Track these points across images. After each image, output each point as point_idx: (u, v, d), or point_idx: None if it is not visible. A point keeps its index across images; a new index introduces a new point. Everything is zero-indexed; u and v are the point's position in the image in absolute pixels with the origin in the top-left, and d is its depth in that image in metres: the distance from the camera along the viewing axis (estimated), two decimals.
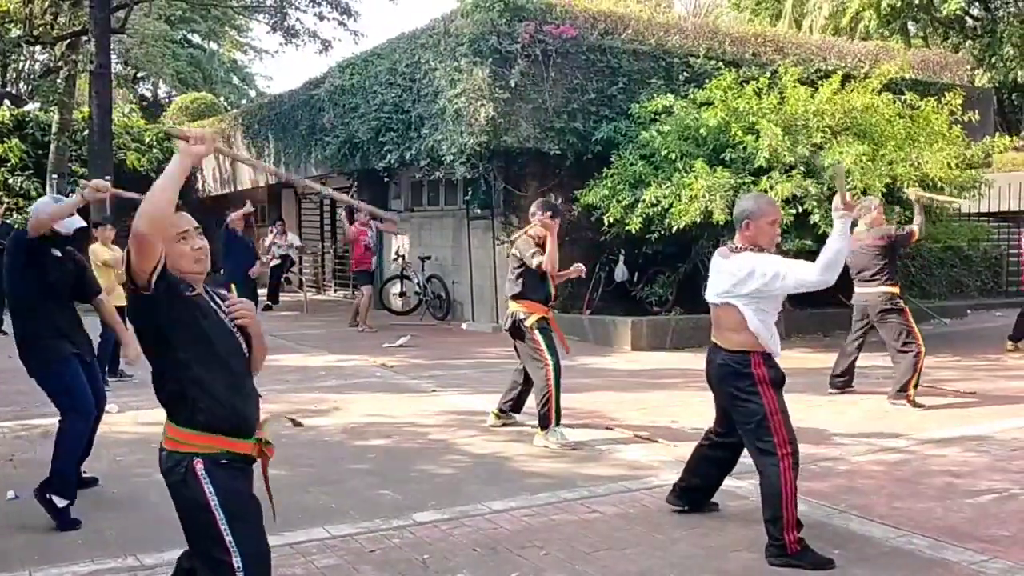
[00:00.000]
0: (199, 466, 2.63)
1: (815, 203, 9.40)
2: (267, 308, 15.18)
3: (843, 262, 3.77)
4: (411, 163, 12.38)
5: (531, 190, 11.23)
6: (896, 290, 7.02)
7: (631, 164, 10.32)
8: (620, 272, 11.63)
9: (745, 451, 4.12)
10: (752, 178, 9.61)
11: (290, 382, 8.37)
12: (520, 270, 5.96)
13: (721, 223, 9.28)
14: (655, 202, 9.79)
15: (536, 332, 5.90)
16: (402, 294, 14.32)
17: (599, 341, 10.64)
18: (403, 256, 14.05)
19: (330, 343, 11.16)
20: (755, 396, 3.88)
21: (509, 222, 11.90)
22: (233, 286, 10.05)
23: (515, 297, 6.00)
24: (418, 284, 13.72)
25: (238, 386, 2.80)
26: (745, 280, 3.90)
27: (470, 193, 12.04)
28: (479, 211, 12.18)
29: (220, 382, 2.70)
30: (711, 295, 4.08)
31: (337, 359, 9.83)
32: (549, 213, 6.00)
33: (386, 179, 13.23)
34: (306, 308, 15.31)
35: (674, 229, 9.74)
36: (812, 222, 9.47)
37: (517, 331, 5.99)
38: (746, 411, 3.92)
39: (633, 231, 9.99)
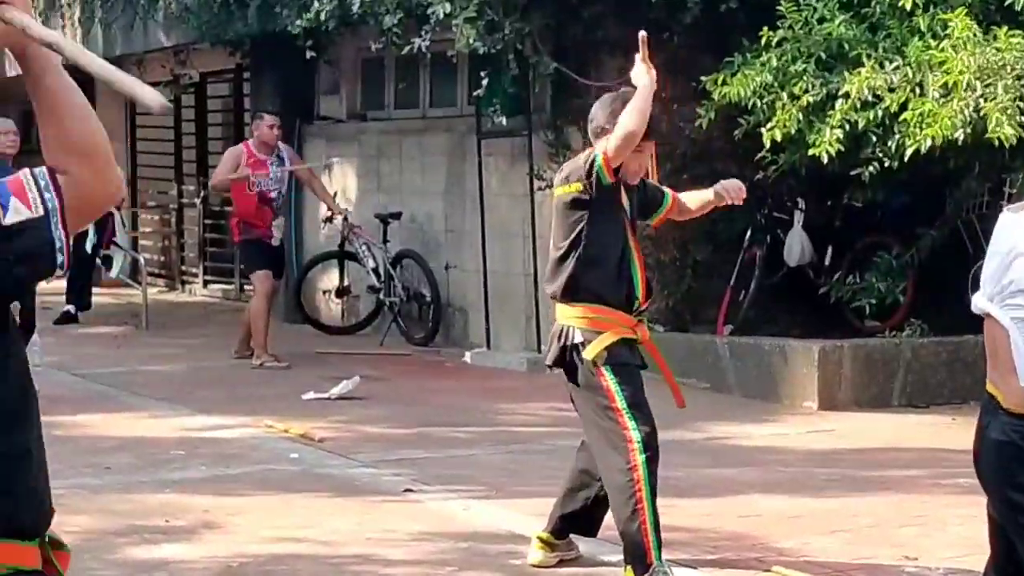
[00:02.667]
0: None
1: None
2: (68, 319, 15.31)
3: None
4: (360, 22, 12.40)
5: (609, 77, 11.13)
6: None
7: (820, 20, 10.28)
8: (797, 247, 11.67)
9: None
10: None
11: (114, 471, 8.43)
12: (576, 232, 5.99)
13: (1010, 143, 9.23)
14: (870, 99, 9.74)
15: (606, 373, 5.95)
16: (342, 292, 14.41)
17: (751, 390, 10.67)
18: (343, 214, 14.13)
19: (196, 391, 11.22)
20: None
21: (563, 143, 11.94)
22: None
23: (564, 295, 6.05)
24: (375, 271, 13.83)
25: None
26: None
27: (485, 84, 12.07)
28: (502, 121, 12.22)
29: None
30: (978, 297, 4.19)
31: (210, 424, 9.90)
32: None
33: (310, 55, 13.24)
34: (146, 319, 15.41)
35: (907, 156, 9.69)
36: None
37: (572, 368, 6.05)
38: None
39: (824, 159, 9.97)
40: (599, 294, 5.98)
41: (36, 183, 2.69)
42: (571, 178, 6.01)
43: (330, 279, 14.57)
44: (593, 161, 5.90)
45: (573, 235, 5.97)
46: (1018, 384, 4.01)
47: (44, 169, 2.70)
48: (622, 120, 5.86)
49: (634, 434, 5.88)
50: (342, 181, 14.93)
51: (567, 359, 6.01)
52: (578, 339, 5.95)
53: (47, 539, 2.91)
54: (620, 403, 5.91)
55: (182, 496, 7.80)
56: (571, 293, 6.00)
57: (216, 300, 18.00)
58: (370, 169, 14.68)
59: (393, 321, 13.71)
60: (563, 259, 6.02)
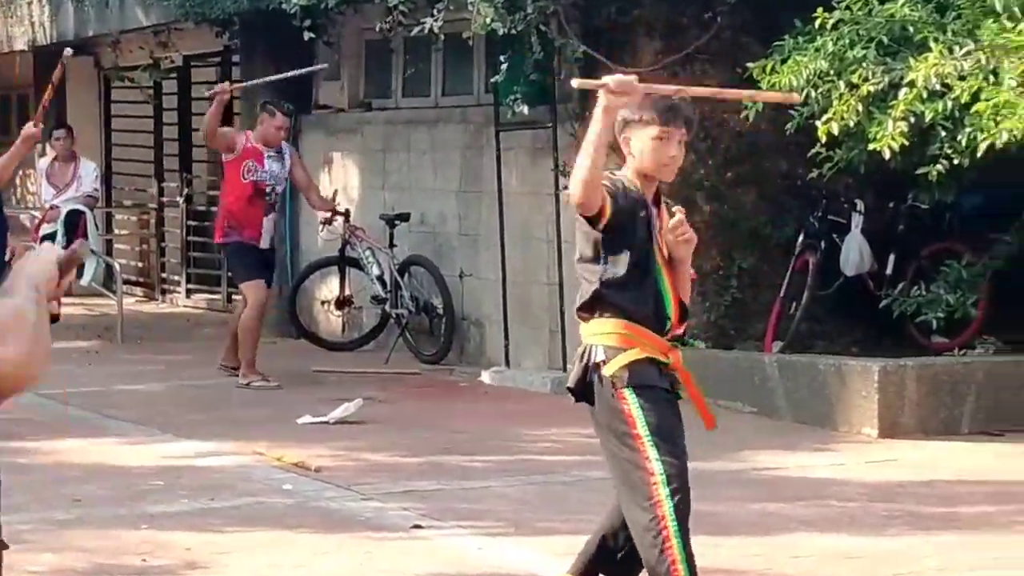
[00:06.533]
0: None
1: None
2: None
3: None
4: (364, 0, 12.47)
5: (644, 62, 11.17)
6: None
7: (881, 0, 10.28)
8: (855, 254, 11.71)
9: None
10: None
11: (85, 503, 8.45)
12: (594, 243, 5.92)
13: None
14: (938, 88, 9.72)
15: (627, 395, 5.86)
16: (343, 302, 14.45)
17: (803, 414, 10.68)
18: (344, 214, 14.15)
19: (178, 414, 11.29)
20: None
21: None
22: None
23: (587, 310, 5.99)
24: (380, 279, 13.86)
25: None
26: None
27: (504, 70, 12.08)
28: (523, 111, 12.24)
29: None
30: None
31: (194, 451, 9.95)
32: (652, 115, 5.83)
33: (307, 36, 13.29)
34: (122, 332, 15.52)
35: (980, 152, 9.65)
36: None
37: (591, 393, 5.98)
38: None
39: (885, 155, 9.94)
40: (623, 308, 5.88)
41: None
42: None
43: (329, 288, 14.61)
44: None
45: (592, 247, 5.90)
46: None
47: None
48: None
49: (655, 465, 5.77)
50: (343, 178, 14.99)
51: (588, 380, 5.92)
52: (599, 357, 5.85)
53: None
54: (641, 430, 5.80)
55: (161, 532, 7.81)
56: (594, 308, 5.92)
57: (200, 311, 18.10)
58: (375, 165, 14.71)
59: (400, 336, 13.73)
60: (584, 272, 5.96)
